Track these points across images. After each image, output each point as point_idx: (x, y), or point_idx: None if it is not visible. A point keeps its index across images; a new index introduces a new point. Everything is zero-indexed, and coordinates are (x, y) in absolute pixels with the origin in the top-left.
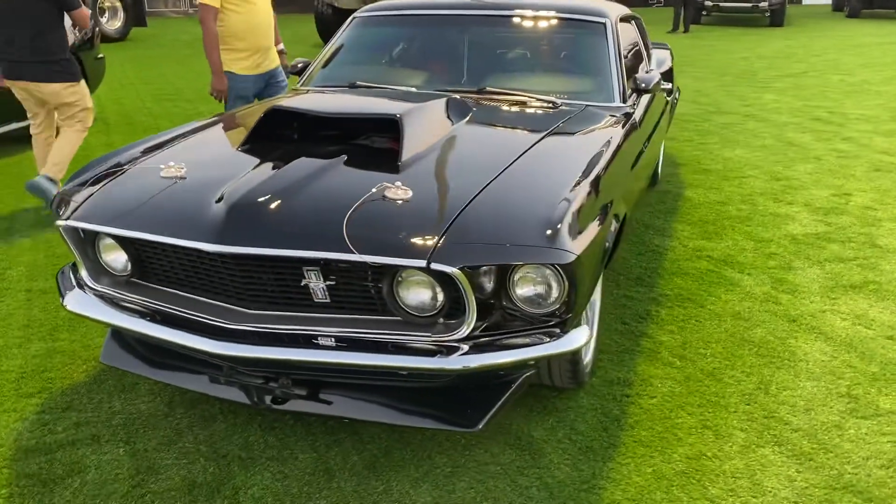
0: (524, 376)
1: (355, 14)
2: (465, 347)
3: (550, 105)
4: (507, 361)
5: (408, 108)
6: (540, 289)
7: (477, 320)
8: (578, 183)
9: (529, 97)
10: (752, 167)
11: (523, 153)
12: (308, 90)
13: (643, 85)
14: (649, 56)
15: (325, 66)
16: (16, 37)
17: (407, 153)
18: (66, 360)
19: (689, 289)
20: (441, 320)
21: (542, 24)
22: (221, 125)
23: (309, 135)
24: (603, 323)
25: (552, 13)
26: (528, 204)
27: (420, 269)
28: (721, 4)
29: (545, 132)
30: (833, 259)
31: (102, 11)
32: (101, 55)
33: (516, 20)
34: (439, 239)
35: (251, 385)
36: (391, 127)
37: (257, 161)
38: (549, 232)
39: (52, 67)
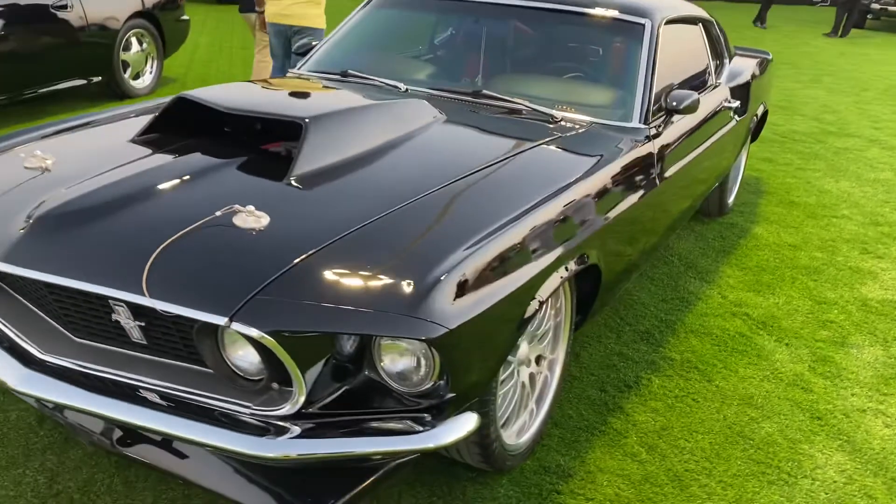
0: (399, 461)
1: None
2: (297, 429)
3: (548, 119)
4: (344, 453)
5: (336, 108)
6: (406, 362)
7: (335, 382)
8: (509, 223)
9: (526, 107)
10: (850, 205)
11: (462, 177)
12: (298, 74)
13: (674, 104)
14: (720, 66)
15: (328, 48)
16: None
17: (305, 165)
18: None
19: (702, 355)
20: (276, 386)
21: (572, 21)
22: (143, 110)
23: (212, 132)
24: (578, 386)
25: (585, 9)
26: (409, 251)
27: (221, 325)
28: (890, 8)
29: (514, 153)
30: None
31: None
32: (185, 17)
33: (544, 15)
34: (258, 290)
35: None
36: (299, 131)
37: (130, 158)
38: (410, 291)
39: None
